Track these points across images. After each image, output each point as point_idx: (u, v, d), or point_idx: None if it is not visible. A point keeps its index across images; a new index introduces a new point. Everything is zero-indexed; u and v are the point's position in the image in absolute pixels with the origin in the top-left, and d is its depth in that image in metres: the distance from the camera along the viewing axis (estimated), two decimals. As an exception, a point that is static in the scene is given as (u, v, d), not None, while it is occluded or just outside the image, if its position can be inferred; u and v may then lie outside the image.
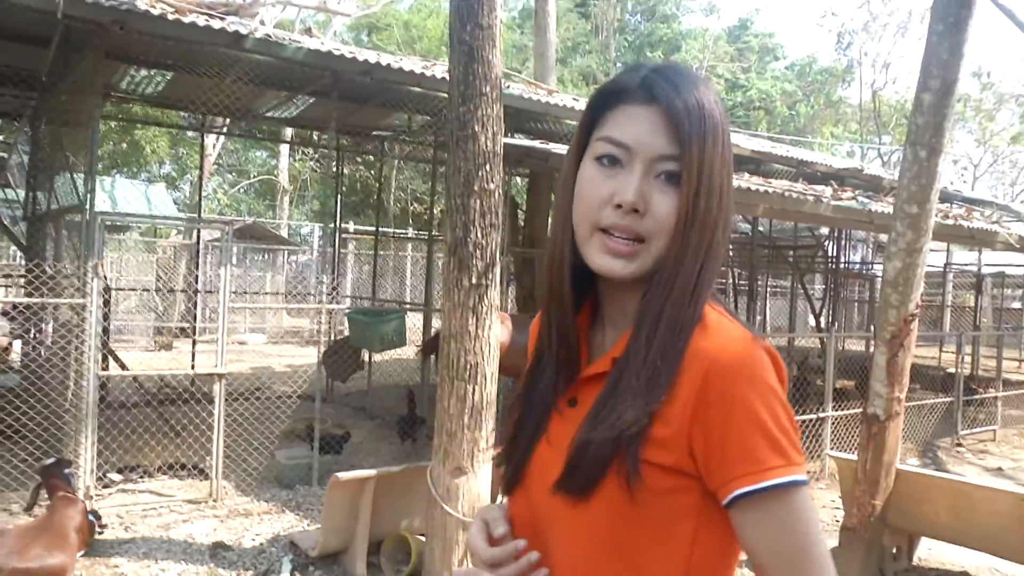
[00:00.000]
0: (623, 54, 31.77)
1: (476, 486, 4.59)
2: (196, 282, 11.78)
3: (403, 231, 19.47)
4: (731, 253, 12.12)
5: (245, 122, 9.19)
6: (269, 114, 8.89)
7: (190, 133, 17.72)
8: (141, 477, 6.25)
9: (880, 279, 4.79)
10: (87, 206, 5.40)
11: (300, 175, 24.58)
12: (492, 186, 4.59)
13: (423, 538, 4.75)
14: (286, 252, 18.81)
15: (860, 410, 7.74)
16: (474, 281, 4.53)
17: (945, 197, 11.40)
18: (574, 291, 1.13)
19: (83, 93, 7.43)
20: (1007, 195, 25.32)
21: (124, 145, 20.03)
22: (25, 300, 5.74)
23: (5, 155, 10.54)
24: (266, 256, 18.99)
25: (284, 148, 22.77)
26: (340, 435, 6.64)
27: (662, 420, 1.00)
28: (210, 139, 17.82)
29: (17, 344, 10.77)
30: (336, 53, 5.70)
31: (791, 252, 13.42)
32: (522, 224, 9.18)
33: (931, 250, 10.26)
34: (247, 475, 6.10)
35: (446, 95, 6.70)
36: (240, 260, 17.64)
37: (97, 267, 5.33)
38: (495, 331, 4.62)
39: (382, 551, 4.82)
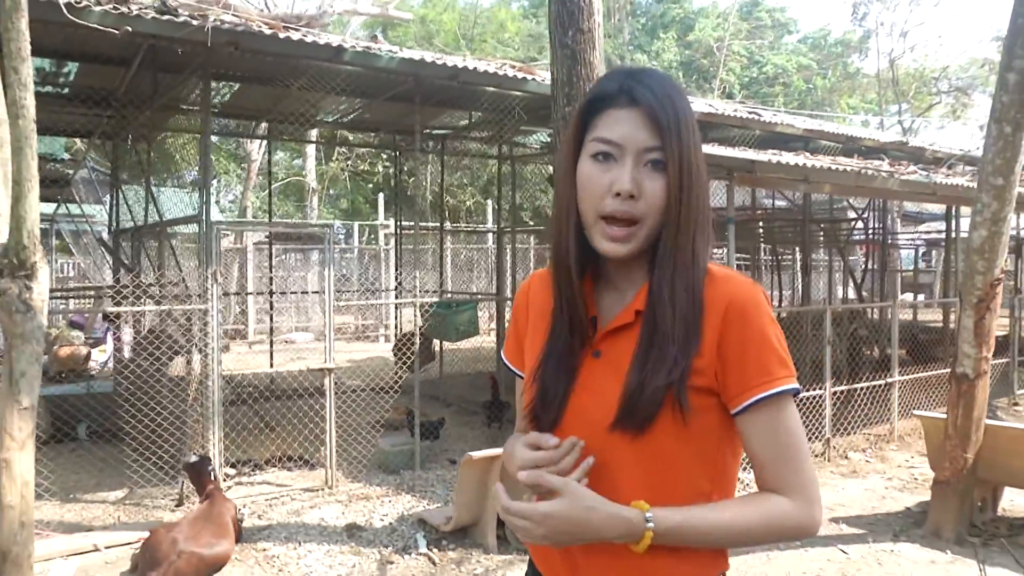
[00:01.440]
0: (636, 36, 31.89)
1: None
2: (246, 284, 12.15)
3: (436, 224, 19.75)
4: (781, 230, 12.33)
5: (312, 127, 9.50)
6: (331, 119, 9.22)
7: (215, 138, 18.06)
8: (253, 471, 6.63)
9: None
10: (203, 217, 5.74)
11: (326, 175, 24.97)
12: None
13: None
14: (334, 250, 19.10)
15: (921, 374, 8.05)
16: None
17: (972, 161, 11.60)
18: (579, 265, 1.35)
19: (172, 110, 7.78)
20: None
21: (153, 155, 20.44)
22: (155, 308, 6.09)
23: (71, 172, 10.89)
24: (301, 255, 19.34)
25: (311, 149, 23.17)
26: (436, 421, 6.99)
27: (697, 353, 1.26)
28: (252, 145, 18.17)
29: (96, 352, 11.23)
30: (428, 60, 6.06)
31: (827, 225, 13.64)
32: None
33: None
34: (355, 463, 6.46)
35: (518, 93, 7.06)
36: (281, 261, 18.00)
37: (216, 274, 5.69)
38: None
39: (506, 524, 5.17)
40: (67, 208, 12.01)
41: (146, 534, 5.09)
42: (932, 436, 5.59)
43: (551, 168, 11.89)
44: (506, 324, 10.07)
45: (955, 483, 5.11)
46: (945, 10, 54.47)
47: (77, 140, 10.86)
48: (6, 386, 2.93)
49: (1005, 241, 4.71)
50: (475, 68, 6.26)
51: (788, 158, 5.73)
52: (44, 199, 12.54)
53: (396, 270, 9.75)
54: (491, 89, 6.77)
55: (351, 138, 13.31)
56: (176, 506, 5.51)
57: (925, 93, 24.05)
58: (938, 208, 14.70)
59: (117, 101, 8.16)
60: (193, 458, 5.24)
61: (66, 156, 10.35)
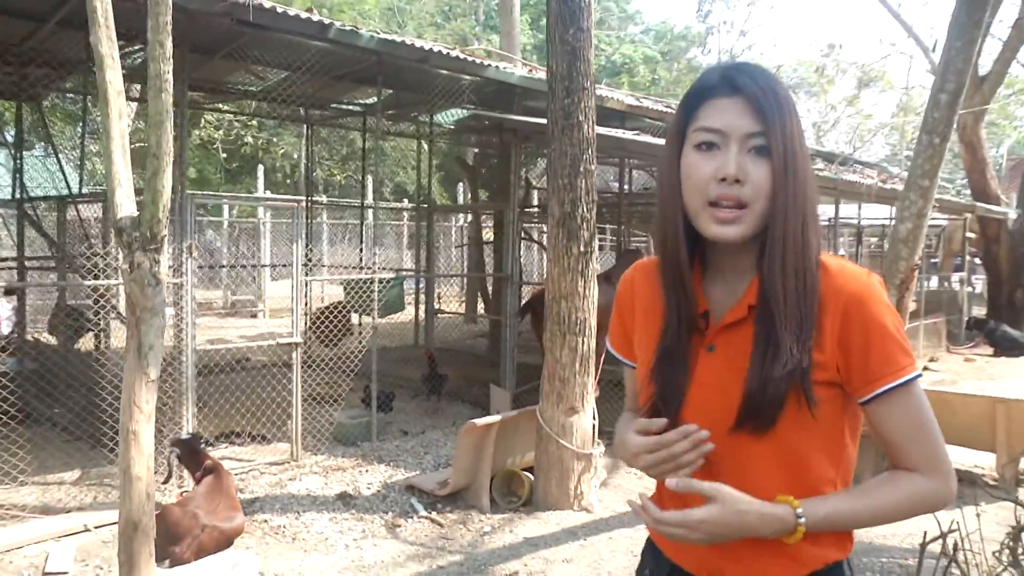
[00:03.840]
0: (492, 17, 32.31)
1: (586, 422, 5.40)
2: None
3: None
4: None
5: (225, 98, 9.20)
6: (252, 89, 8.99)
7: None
8: (208, 444, 6.53)
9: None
10: (180, 189, 5.60)
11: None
12: (593, 167, 5.34)
13: (528, 473, 5.51)
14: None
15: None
16: (582, 249, 5.28)
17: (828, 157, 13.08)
18: (688, 258, 1.35)
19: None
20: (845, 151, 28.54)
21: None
22: (103, 283, 5.84)
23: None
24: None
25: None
26: (388, 394, 7.17)
27: (817, 348, 1.28)
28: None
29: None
30: (399, 41, 6.18)
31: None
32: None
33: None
34: (317, 437, 6.54)
35: (468, 78, 7.31)
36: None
37: (191, 247, 5.59)
38: (596, 291, 5.39)
39: (493, 486, 5.52)
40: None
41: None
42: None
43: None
44: (434, 301, 10.31)
45: (874, 439, 6.02)
46: (780, 14, 59.46)
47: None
48: (134, 359, 2.96)
49: (924, 233, 5.61)
50: (445, 52, 6.46)
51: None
52: None
53: (307, 245, 9.65)
54: (445, 72, 6.98)
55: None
56: (163, 483, 5.40)
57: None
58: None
59: (20, 57, 7.59)
60: (184, 435, 5.18)
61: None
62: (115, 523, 4.93)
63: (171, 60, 2.89)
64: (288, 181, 21.91)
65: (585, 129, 5.22)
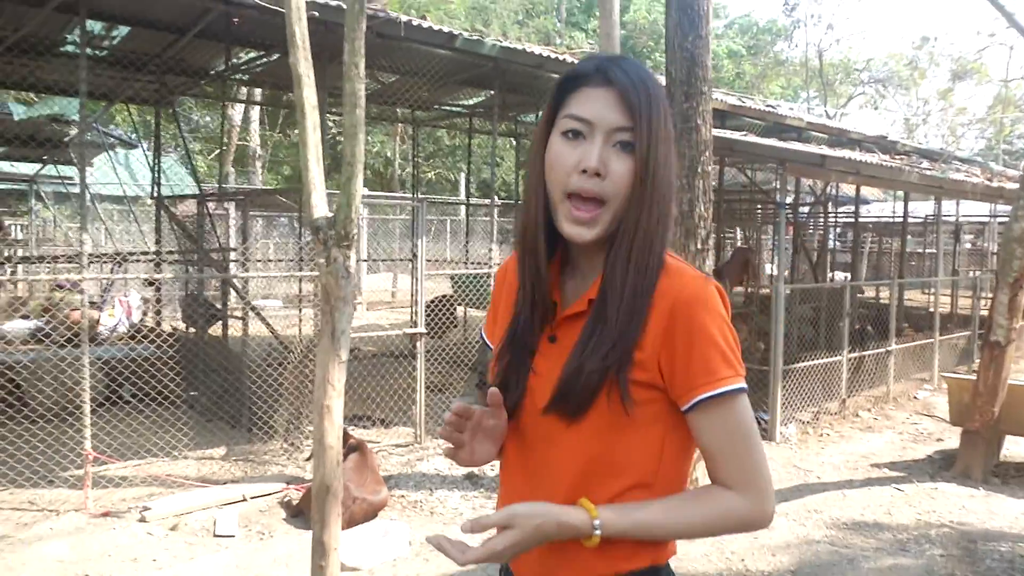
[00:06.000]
0: (574, 14, 32.51)
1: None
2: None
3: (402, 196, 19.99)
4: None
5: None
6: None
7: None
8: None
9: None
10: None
11: (270, 140, 24.69)
12: (710, 168, 5.56)
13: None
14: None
15: (909, 344, 9.11)
16: (699, 247, 5.49)
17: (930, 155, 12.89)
18: (547, 246, 1.34)
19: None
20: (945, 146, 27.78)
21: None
22: (267, 275, 6.35)
23: (70, 133, 10.68)
24: (262, 223, 19.25)
25: (255, 114, 22.88)
26: (500, 383, 7.52)
27: (639, 347, 1.25)
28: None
29: (104, 316, 11.11)
30: (519, 48, 6.54)
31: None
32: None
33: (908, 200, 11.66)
34: (436, 421, 6.95)
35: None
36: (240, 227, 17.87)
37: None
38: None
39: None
40: (57, 170, 11.74)
41: (282, 485, 5.51)
42: (956, 394, 6.55)
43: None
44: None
45: (984, 433, 6.08)
46: (869, 6, 57.79)
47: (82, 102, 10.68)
48: (328, 342, 3.35)
49: (1041, 231, 5.64)
50: (560, 58, 6.77)
51: (845, 154, 6.56)
52: (25, 159, 12.21)
53: (413, 241, 10.11)
54: (556, 76, 7.27)
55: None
56: (307, 459, 5.88)
57: (849, 83, 25.82)
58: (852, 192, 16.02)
59: (161, 66, 8.21)
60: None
61: (75, 117, 10.15)
62: (268, 494, 5.47)
63: (364, 79, 3.26)
64: (379, 179, 22.63)
65: (703, 132, 5.44)
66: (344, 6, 4.97)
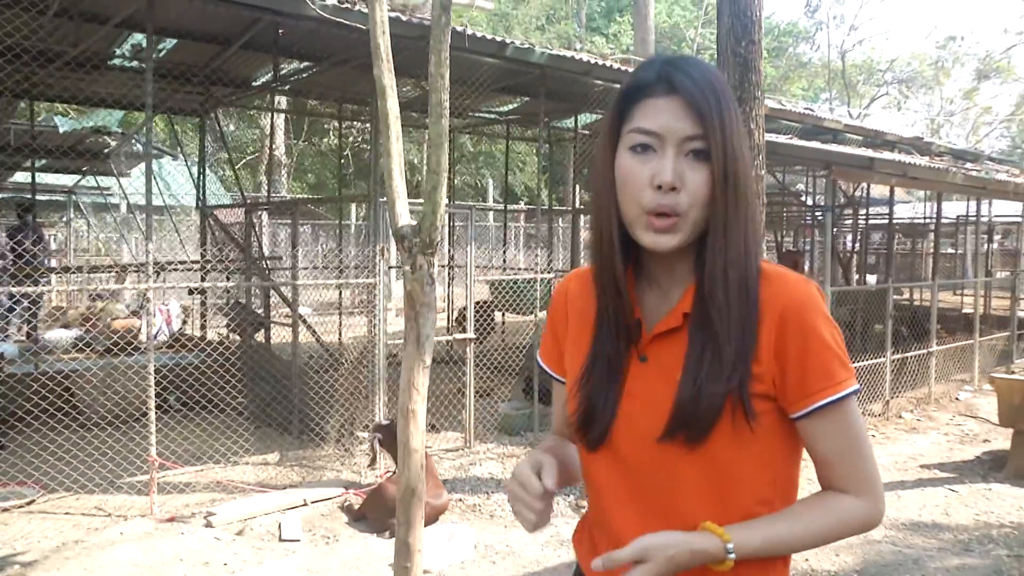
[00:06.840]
0: (595, 18, 32.57)
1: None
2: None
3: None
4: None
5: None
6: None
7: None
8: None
9: None
10: (373, 196, 6.15)
11: (295, 150, 24.92)
12: (763, 172, 5.60)
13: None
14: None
15: (951, 345, 9.07)
16: (753, 250, 5.54)
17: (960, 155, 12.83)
18: (622, 264, 1.27)
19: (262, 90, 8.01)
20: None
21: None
22: (321, 283, 6.45)
23: (113, 144, 10.86)
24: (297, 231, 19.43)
25: (280, 123, 23.12)
26: (547, 388, 7.59)
27: (755, 359, 1.21)
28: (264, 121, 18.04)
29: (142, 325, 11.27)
30: (567, 56, 6.62)
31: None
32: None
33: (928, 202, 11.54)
34: (486, 426, 7.02)
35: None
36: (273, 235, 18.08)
37: (384, 250, 6.12)
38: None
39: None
40: (96, 181, 11.92)
41: (341, 489, 5.59)
42: (1006, 395, 6.53)
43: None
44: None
45: (1037, 432, 6.07)
46: (893, 6, 57.47)
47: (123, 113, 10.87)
48: (413, 347, 3.42)
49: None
50: (605, 64, 6.84)
51: (892, 156, 6.58)
52: (64, 170, 12.41)
53: (504, 248, 10.21)
54: (601, 83, 7.35)
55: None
56: (368, 465, 5.97)
57: (872, 84, 25.74)
58: (878, 193, 15.91)
59: (206, 78, 8.34)
60: (385, 421, 5.71)
61: (118, 129, 10.34)
62: (329, 499, 5.54)
63: (448, 90, 3.34)
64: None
65: (756, 136, 5.50)
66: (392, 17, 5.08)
